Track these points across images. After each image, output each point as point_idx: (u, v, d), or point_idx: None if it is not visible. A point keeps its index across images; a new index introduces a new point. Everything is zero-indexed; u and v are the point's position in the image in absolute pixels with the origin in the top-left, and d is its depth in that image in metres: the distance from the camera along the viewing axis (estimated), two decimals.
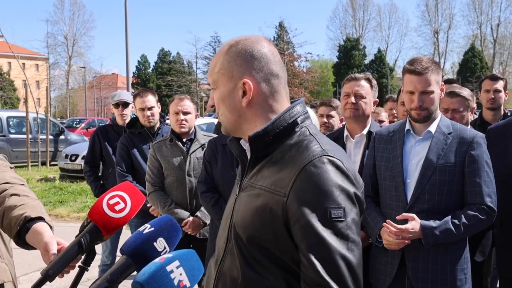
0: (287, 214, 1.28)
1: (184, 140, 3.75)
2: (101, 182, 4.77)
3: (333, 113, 3.94)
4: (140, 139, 4.22)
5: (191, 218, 3.58)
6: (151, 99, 4.22)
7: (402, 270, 2.51)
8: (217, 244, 1.54)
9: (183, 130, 3.69)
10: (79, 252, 1.33)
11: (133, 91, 50.31)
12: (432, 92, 2.51)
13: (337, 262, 1.23)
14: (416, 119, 2.56)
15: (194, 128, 3.81)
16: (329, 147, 1.37)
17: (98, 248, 3.95)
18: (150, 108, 4.20)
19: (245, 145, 1.50)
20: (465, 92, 3.36)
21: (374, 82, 3.16)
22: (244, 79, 1.40)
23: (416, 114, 2.54)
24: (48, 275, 1.29)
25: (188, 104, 3.72)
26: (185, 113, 3.69)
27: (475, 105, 3.43)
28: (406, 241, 2.43)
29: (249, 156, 1.47)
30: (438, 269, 2.45)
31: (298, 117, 1.42)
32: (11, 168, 2.02)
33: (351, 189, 1.30)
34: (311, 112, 2.60)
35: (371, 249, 2.68)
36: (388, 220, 2.46)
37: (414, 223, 2.42)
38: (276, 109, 1.43)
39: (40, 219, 1.71)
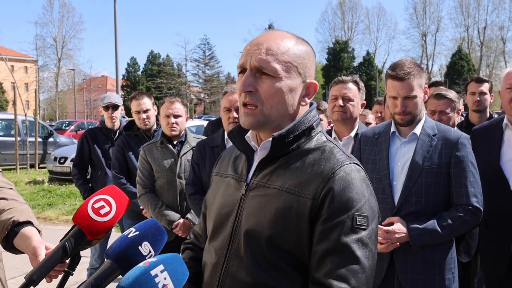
0: (315, 217, 1.30)
1: (175, 142, 3.75)
2: (90, 185, 4.75)
3: (321, 116, 3.96)
4: (136, 141, 4.22)
5: (181, 220, 3.59)
6: (147, 102, 4.23)
7: (391, 271, 2.52)
8: (212, 245, 1.48)
9: (174, 133, 3.70)
10: (63, 256, 1.31)
11: (123, 93, 50.11)
12: (415, 96, 2.51)
13: (354, 268, 1.26)
14: (400, 124, 2.58)
15: (185, 130, 3.82)
16: (351, 155, 1.42)
17: (87, 251, 3.93)
18: (145, 111, 4.21)
19: (251, 142, 1.48)
20: (451, 94, 3.41)
21: (362, 84, 3.19)
22: (311, 80, 1.45)
23: (400, 119, 2.55)
24: (31, 280, 1.26)
25: (179, 107, 3.72)
26: (176, 116, 3.69)
27: (462, 107, 3.47)
28: (392, 244, 2.44)
29: (258, 155, 1.44)
30: (427, 270, 2.47)
31: (314, 122, 1.45)
32: None
33: (373, 199, 1.36)
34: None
35: None
36: None
37: (399, 224, 2.44)
38: (303, 112, 1.46)
39: (29, 223, 1.70)
